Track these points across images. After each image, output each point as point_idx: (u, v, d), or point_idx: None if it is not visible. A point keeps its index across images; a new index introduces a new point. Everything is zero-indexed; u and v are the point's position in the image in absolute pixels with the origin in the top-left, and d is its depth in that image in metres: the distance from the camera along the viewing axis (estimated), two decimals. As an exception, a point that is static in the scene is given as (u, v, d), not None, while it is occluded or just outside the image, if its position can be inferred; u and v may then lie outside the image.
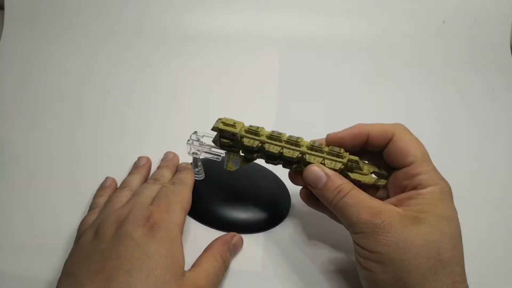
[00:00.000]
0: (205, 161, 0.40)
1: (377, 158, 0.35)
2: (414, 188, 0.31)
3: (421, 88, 0.58)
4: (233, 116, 0.35)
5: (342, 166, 0.33)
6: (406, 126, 0.34)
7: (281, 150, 0.34)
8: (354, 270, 0.32)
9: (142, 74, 0.56)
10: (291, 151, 0.34)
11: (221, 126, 0.34)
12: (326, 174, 0.32)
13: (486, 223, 0.42)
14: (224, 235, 0.37)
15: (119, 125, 0.49)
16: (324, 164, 0.33)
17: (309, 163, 0.33)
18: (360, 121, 0.35)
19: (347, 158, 0.33)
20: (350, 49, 0.62)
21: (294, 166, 0.35)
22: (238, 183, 0.41)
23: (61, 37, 0.60)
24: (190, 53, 0.59)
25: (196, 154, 0.38)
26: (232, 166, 0.36)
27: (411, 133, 0.33)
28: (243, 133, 0.34)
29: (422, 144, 0.33)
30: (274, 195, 0.42)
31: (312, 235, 0.39)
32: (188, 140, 0.37)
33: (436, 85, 0.58)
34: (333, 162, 0.33)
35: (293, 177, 0.36)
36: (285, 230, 0.39)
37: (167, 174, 0.40)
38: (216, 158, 0.38)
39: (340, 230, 0.35)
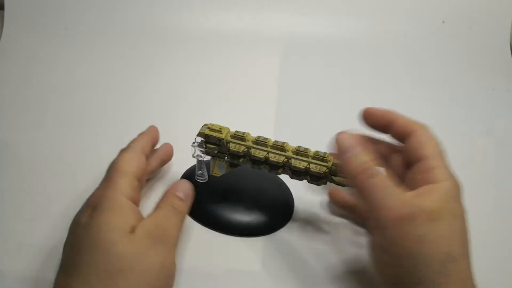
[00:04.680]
0: (210, 164, 0.40)
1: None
2: (428, 182, 0.31)
3: (421, 88, 0.58)
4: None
5: (327, 170, 0.34)
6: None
7: (267, 155, 0.34)
8: (356, 275, 0.32)
9: (142, 74, 0.56)
10: (277, 155, 0.34)
11: (207, 131, 0.35)
12: (358, 145, 0.31)
13: (486, 223, 0.42)
14: (171, 185, 0.35)
15: (119, 125, 0.49)
16: (309, 168, 0.34)
17: (295, 167, 0.34)
18: (359, 121, 0.35)
19: (331, 162, 0.34)
20: (350, 49, 0.62)
21: (279, 171, 0.35)
22: (241, 186, 0.41)
23: (61, 37, 0.60)
24: (190, 53, 0.59)
25: (200, 156, 0.38)
26: (218, 172, 0.37)
27: (432, 134, 0.33)
28: (229, 138, 0.35)
29: (438, 142, 0.33)
30: (277, 198, 0.42)
31: (315, 239, 0.39)
32: (193, 143, 0.37)
33: (436, 85, 0.58)
34: (318, 166, 0.34)
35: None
36: (289, 233, 0.39)
37: (138, 142, 0.38)
38: (220, 161, 0.37)
39: (343, 235, 0.35)
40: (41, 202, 0.41)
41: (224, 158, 0.36)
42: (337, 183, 0.34)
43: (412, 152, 0.32)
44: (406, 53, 0.62)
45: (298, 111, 0.53)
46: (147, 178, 0.40)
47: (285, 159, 0.34)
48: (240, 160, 0.36)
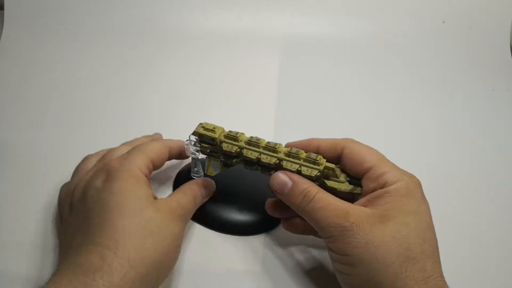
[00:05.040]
0: (205, 162, 0.40)
1: None
2: (382, 187, 0.31)
3: (421, 88, 0.58)
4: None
5: (319, 173, 0.33)
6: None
7: (259, 156, 0.34)
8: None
9: (142, 74, 0.56)
10: (269, 157, 0.34)
11: (201, 131, 0.35)
12: (291, 178, 0.32)
13: (486, 223, 0.43)
14: (201, 178, 0.38)
15: (119, 125, 0.49)
16: (300, 171, 0.33)
17: (286, 169, 0.34)
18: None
19: (323, 166, 0.33)
20: (350, 49, 0.62)
21: (272, 173, 0.35)
22: (238, 184, 0.41)
23: (61, 37, 0.60)
24: (190, 53, 0.59)
25: (195, 154, 0.38)
26: (212, 171, 0.37)
27: (361, 143, 0.34)
28: (222, 138, 0.35)
29: (375, 150, 0.33)
30: (274, 196, 0.42)
31: (312, 237, 0.39)
32: (186, 140, 0.37)
33: (436, 85, 0.58)
34: (310, 169, 0.33)
35: (271, 206, 0.37)
36: (285, 231, 0.39)
37: (142, 140, 0.40)
38: (215, 160, 0.37)
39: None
40: (41, 202, 0.41)
41: (218, 158, 0.36)
42: (329, 188, 0.33)
43: (354, 167, 0.33)
44: (406, 53, 0.62)
45: (298, 111, 0.53)
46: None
47: (277, 161, 0.34)
48: (234, 161, 0.35)
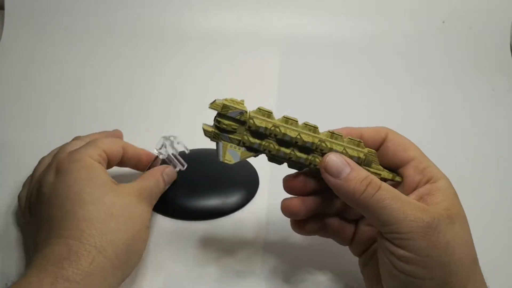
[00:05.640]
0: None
1: None
2: (428, 181, 0.29)
3: (421, 88, 0.58)
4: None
5: (364, 157, 0.31)
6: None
7: (299, 136, 0.29)
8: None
9: (142, 74, 0.56)
10: (310, 136, 0.30)
11: (226, 102, 0.28)
12: (349, 163, 0.28)
13: (486, 223, 0.42)
14: (161, 166, 0.38)
15: (119, 125, 0.49)
16: (346, 153, 0.30)
17: (331, 150, 0.30)
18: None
19: (367, 150, 0.31)
20: (350, 49, 0.62)
21: (309, 157, 0.30)
22: (204, 173, 0.42)
23: (61, 37, 0.60)
24: (190, 53, 0.59)
25: (161, 154, 0.39)
26: (230, 159, 0.30)
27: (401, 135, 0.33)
28: (253, 113, 0.29)
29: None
30: (240, 174, 0.43)
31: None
32: (162, 137, 0.39)
33: (436, 85, 0.58)
34: (356, 151, 0.30)
35: (289, 182, 0.32)
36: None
37: (97, 135, 0.40)
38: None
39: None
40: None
41: (238, 142, 0.30)
42: (372, 174, 0.30)
43: (396, 155, 0.31)
44: (406, 53, 0.62)
45: (298, 111, 0.52)
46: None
47: (319, 142, 0.30)
48: (262, 143, 0.30)
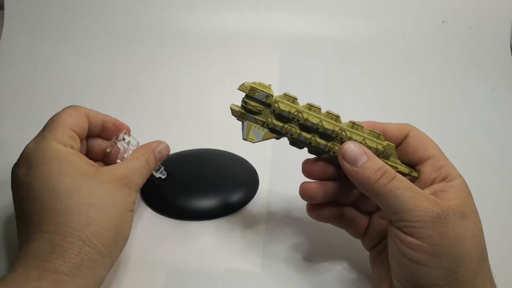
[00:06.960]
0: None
1: None
2: (443, 179, 0.30)
3: (421, 88, 0.58)
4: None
5: (383, 149, 0.32)
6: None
7: (320, 123, 0.31)
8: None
9: (142, 74, 0.56)
10: (332, 124, 0.31)
11: (254, 84, 0.31)
12: (366, 153, 0.30)
13: (486, 223, 0.42)
14: (151, 142, 0.36)
15: (119, 125, 0.49)
16: (365, 144, 0.31)
17: (350, 139, 0.31)
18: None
19: (386, 143, 0.32)
20: (350, 49, 0.62)
21: (329, 144, 0.31)
22: (202, 173, 0.42)
23: (61, 37, 0.60)
24: (190, 53, 0.59)
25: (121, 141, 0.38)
26: (253, 137, 0.32)
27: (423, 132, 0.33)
28: (278, 97, 0.31)
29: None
30: (240, 174, 0.43)
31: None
32: (117, 137, 0.37)
33: (436, 85, 0.58)
34: (375, 143, 0.31)
35: (309, 165, 0.33)
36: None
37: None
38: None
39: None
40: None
41: (263, 123, 0.32)
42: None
43: (416, 151, 0.32)
44: (406, 53, 0.62)
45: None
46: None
47: (339, 130, 0.31)
48: (285, 126, 0.31)
